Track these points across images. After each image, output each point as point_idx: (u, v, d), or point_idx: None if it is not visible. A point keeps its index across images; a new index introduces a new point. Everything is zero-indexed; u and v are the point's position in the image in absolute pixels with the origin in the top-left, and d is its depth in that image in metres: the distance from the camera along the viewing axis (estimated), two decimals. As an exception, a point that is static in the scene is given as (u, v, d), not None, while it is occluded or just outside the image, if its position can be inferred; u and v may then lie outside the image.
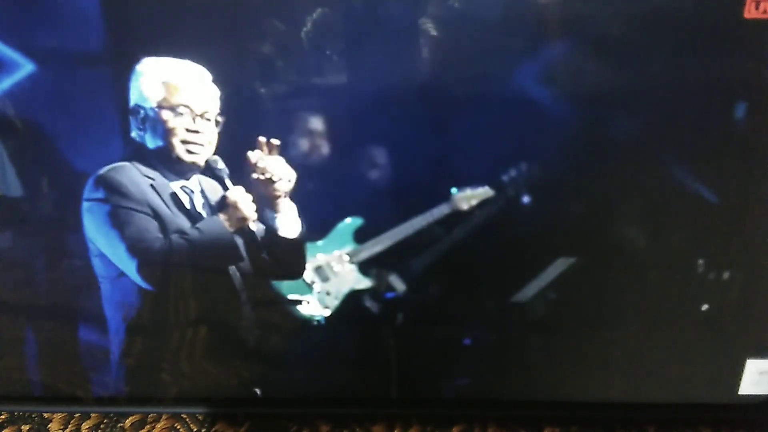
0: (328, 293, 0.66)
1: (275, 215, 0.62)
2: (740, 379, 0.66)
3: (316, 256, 0.65)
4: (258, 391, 0.68)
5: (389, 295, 0.65)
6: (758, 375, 0.65)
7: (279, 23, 0.56)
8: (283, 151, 0.60)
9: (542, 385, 0.68)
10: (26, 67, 0.58)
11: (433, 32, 0.55)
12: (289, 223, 0.63)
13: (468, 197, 0.61)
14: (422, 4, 0.55)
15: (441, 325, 0.67)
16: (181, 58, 0.58)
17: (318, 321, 0.66)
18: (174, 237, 0.62)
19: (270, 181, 0.61)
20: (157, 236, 0.62)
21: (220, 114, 0.60)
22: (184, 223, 0.62)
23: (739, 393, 0.66)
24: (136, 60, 0.58)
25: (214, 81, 0.59)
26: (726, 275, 0.62)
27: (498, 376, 0.68)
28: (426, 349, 0.68)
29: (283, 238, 0.63)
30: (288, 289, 0.66)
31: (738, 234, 0.61)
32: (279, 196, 0.62)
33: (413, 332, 0.66)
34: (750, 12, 0.53)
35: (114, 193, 0.61)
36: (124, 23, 0.58)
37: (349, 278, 0.66)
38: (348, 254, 0.65)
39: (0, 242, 0.65)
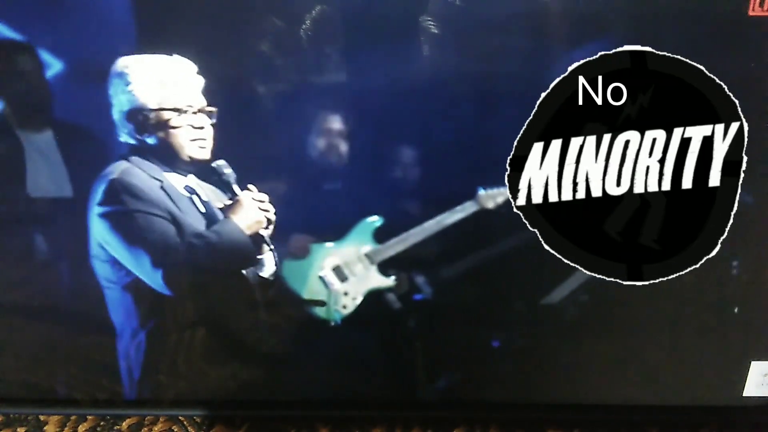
0: (345, 293, 0.65)
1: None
2: (745, 382, 0.65)
3: (335, 255, 0.64)
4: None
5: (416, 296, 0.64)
6: (763, 377, 0.65)
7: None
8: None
9: (544, 388, 0.68)
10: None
11: (458, 27, 0.55)
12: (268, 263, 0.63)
13: (494, 196, 0.59)
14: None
15: (445, 327, 0.66)
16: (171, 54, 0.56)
17: (334, 322, 0.65)
18: (193, 240, 0.61)
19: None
20: (177, 240, 0.61)
21: (210, 105, 0.59)
22: (196, 224, 0.61)
23: (744, 395, 0.66)
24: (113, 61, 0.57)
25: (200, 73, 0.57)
26: (730, 277, 0.62)
27: (500, 379, 0.68)
28: (429, 351, 0.67)
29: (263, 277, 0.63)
30: (305, 289, 0.65)
31: (742, 235, 0.60)
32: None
33: (418, 334, 0.66)
34: (754, 9, 0.53)
35: (132, 198, 0.60)
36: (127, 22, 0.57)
37: (369, 278, 0.64)
38: (368, 254, 0.64)
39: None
